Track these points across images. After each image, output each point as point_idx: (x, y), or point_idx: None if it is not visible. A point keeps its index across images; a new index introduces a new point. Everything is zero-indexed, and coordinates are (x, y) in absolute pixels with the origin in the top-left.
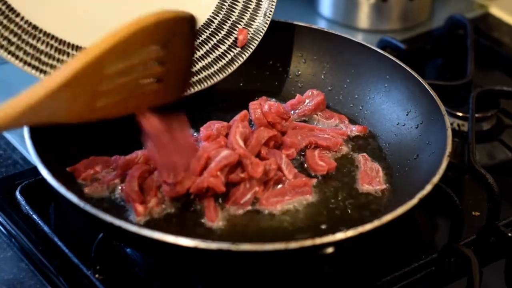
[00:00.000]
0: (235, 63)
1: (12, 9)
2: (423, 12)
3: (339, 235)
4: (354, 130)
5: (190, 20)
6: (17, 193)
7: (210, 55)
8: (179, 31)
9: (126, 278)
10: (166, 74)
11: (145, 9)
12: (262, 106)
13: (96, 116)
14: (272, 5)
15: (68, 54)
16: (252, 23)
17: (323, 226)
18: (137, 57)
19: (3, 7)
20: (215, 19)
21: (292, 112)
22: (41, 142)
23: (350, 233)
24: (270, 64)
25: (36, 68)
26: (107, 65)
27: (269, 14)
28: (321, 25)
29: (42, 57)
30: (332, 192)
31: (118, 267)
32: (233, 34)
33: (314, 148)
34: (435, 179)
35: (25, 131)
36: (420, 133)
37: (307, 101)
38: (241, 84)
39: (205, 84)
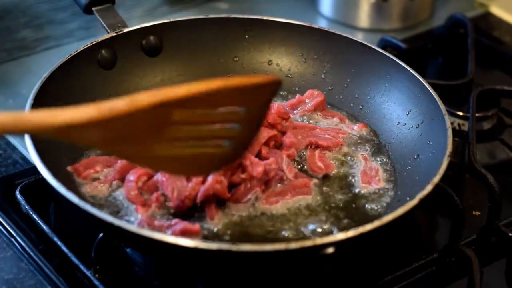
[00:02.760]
0: None
1: None
2: (424, 11)
3: (340, 236)
4: (355, 129)
5: (278, 84)
6: (17, 193)
7: None
8: (264, 95)
9: (126, 277)
10: (238, 136)
11: None
12: None
13: (155, 166)
14: None
15: None
16: None
17: (323, 226)
18: (211, 114)
19: None
20: None
21: (292, 112)
22: (41, 141)
23: (351, 233)
24: (269, 63)
25: None
26: (178, 111)
27: None
28: (322, 24)
29: None
30: (332, 192)
31: (118, 266)
32: None
33: (314, 148)
34: (436, 179)
35: None
36: (420, 133)
37: (307, 101)
38: None
39: None
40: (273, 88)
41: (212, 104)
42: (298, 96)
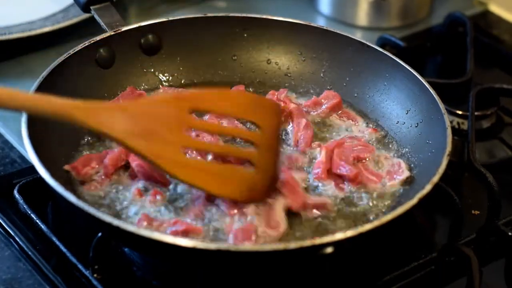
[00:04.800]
0: None
1: None
2: (423, 9)
3: (339, 235)
4: (366, 133)
5: (279, 110)
6: (15, 192)
7: None
8: (269, 116)
9: (125, 277)
10: (257, 160)
11: None
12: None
13: (182, 175)
14: None
15: None
16: None
17: (322, 224)
18: (225, 127)
19: None
20: None
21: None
22: (38, 140)
23: (350, 233)
24: (268, 62)
25: None
26: (193, 108)
27: None
28: (320, 23)
29: None
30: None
31: (116, 266)
32: None
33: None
34: (435, 178)
35: (23, 129)
36: (419, 132)
37: (323, 101)
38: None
39: None
40: (275, 110)
41: (220, 109)
42: (314, 97)
